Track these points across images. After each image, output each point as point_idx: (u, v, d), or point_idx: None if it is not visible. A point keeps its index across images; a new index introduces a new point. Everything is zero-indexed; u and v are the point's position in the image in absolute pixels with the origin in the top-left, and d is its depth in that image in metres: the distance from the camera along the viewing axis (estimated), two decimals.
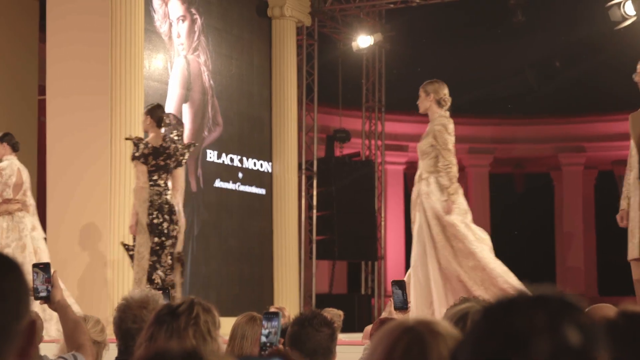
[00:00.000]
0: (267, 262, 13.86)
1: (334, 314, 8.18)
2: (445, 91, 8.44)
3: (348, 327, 10.85)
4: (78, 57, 10.99)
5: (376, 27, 16.31)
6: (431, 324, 2.02)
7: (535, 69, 19.42)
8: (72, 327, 3.92)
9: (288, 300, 13.56)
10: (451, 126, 8.23)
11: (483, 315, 1.50)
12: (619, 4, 13.53)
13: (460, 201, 8.35)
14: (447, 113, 8.40)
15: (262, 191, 13.80)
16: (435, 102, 8.37)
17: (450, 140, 8.17)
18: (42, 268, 3.98)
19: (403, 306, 5.20)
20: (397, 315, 5.16)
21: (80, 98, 10.92)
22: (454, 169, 8.20)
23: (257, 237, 13.77)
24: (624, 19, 13.57)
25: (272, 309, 8.97)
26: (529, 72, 19.36)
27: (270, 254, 13.91)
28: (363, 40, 15.91)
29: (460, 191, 8.38)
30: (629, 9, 13.48)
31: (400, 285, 5.26)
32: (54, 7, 11.30)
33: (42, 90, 12.52)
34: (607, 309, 3.55)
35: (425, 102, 8.43)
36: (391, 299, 5.32)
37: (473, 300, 3.48)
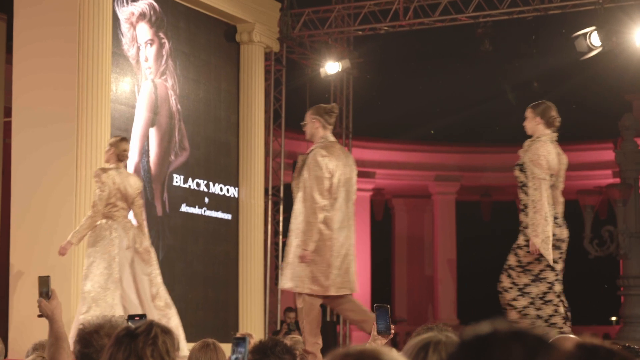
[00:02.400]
0: (233, 287, 13.79)
1: (297, 341, 8.14)
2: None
3: None
4: (45, 76, 10.93)
5: (344, 53, 16.36)
6: (377, 354, 2.00)
7: (516, 88, 19.54)
8: (52, 342, 4.05)
9: (253, 325, 13.50)
10: None
11: (460, 349, 1.49)
12: (585, 34, 13.65)
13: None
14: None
15: (228, 216, 13.75)
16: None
17: None
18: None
19: (386, 331, 5.20)
20: (381, 340, 5.16)
21: (47, 117, 10.85)
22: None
23: (222, 262, 13.71)
24: (590, 49, 13.69)
25: (238, 335, 8.92)
26: (509, 88, 19.47)
27: (236, 279, 13.85)
28: (331, 67, 15.95)
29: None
30: (595, 40, 13.60)
31: (384, 310, 5.25)
32: (21, 32, 11.23)
33: (7, 111, 12.44)
34: (569, 340, 3.54)
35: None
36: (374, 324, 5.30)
37: (435, 329, 3.46)
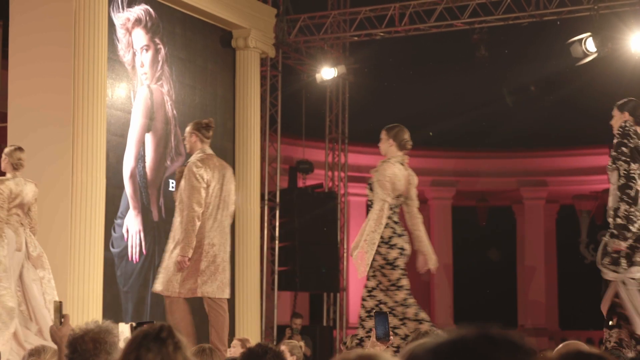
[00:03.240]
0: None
1: (294, 346, 8.16)
2: None
3: (309, 359, 10.80)
4: (40, 80, 10.95)
5: (340, 59, 16.38)
6: (373, 358, 2.01)
7: (513, 89, 19.56)
8: None
9: (249, 331, 13.49)
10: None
11: (434, 356, 1.48)
12: (580, 40, 13.67)
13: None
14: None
15: None
16: None
17: None
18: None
19: (385, 337, 5.21)
20: (379, 346, 5.18)
21: (42, 121, 10.86)
22: None
23: None
24: (585, 55, 13.72)
25: (235, 341, 8.95)
26: (507, 91, 19.49)
27: (232, 284, 13.83)
28: (327, 72, 15.96)
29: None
30: (590, 45, 13.63)
31: (383, 316, 5.27)
32: (16, 38, 11.24)
33: (3, 117, 12.43)
34: (577, 345, 3.55)
35: None
36: (373, 329, 5.33)
37: (432, 335, 3.47)
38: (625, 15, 13.74)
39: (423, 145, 22.90)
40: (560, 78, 17.81)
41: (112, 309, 11.39)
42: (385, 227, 8.14)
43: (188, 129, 8.74)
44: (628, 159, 7.82)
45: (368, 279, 8.36)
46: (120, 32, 12.10)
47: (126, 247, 12.03)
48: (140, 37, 12.48)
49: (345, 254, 17.55)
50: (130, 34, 12.30)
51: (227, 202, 8.67)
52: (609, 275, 7.93)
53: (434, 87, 20.02)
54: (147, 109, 12.53)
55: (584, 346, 4.71)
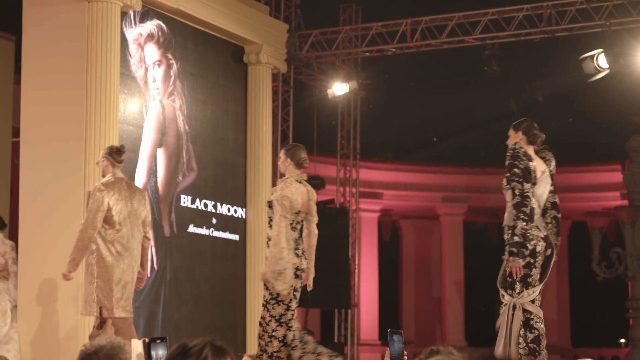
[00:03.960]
0: (240, 308, 13.77)
1: None
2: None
3: None
4: (52, 96, 10.97)
5: (352, 74, 16.39)
6: None
7: (519, 97, 19.52)
8: None
9: None
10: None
11: None
12: (592, 56, 13.66)
13: None
14: None
15: (235, 237, 13.74)
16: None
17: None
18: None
19: (399, 356, 5.18)
20: None
21: (54, 137, 10.88)
22: None
23: (230, 282, 13.69)
24: (597, 71, 13.70)
25: (246, 357, 8.92)
26: (513, 100, 19.45)
27: (243, 300, 13.83)
28: (338, 88, 15.97)
29: None
30: (602, 62, 13.61)
31: (398, 334, 5.24)
32: (28, 47, 11.28)
33: (16, 132, 12.47)
34: None
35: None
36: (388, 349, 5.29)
37: (443, 352, 3.44)
38: (637, 31, 13.73)
39: (435, 161, 22.90)
40: (573, 94, 17.78)
41: None
42: (277, 244, 8.50)
43: (102, 154, 9.05)
44: (521, 179, 8.12)
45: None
46: (132, 48, 12.12)
47: None
48: (152, 52, 12.51)
49: (356, 270, 17.52)
50: (142, 49, 12.33)
51: (135, 224, 8.87)
52: (505, 298, 8.09)
53: (445, 103, 20.01)
54: (159, 124, 12.54)
55: None
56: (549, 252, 8.20)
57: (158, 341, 3.93)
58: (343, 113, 17.56)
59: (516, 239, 8.06)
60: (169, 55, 12.79)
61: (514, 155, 8.27)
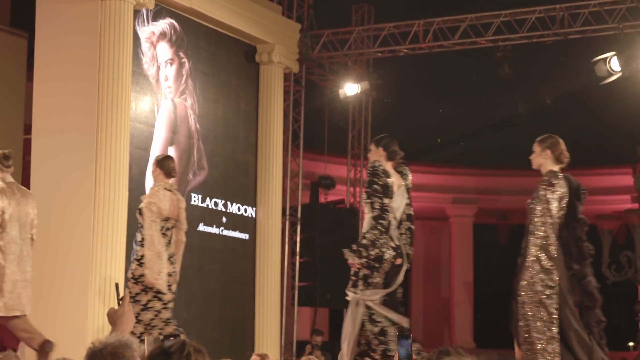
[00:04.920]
0: (249, 307, 13.78)
1: None
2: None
3: None
4: (65, 94, 11.00)
5: (363, 75, 16.38)
6: None
7: (527, 101, 19.51)
8: None
9: (269, 346, 13.48)
10: None
11: None
12: (604, 59, 13.63)
13: None
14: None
15: (245, 236, 13.76)
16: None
17: None
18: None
19: (407, 359, 5.17)
20: None
21: (66, 136, 10.91)
22: None
23: (239, 281, 13.70)
24: (610, 74, 13.67)
25: (254, 356, 8.96)
26: (521, 103, 19.44)
27: (252, 299, 13.84)
28: (350, 88, 15.97)
29: None
30: (615, 65, 13.59)
31: (406, 338, 5.24)
32: (41, 43, 11.30)
33: (27, 129, 12.51)
34: None
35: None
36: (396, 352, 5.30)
37: (453, 353, 3.45)
38: None
39: (445, 163, 22.89)
40: (584, 97, 17.75)
41: None
42: (152, 247, 9.05)
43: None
44: (380, 195, 8.69)
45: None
46: (145, 46, 12.15)
47: None
48: (164, 50, 12.53)
49: None
50: (154, 47, 12.35)
51: (25, 228, 8.98)
52: (349, 296, 8.79)
53: (457, 104, 20.00)
54: (171, 122, 12.57)
55: None
56: (399, 261, 8.78)
57: (171, 338, 3.94)
58: (354, 113, 17.56)
59: (364, 241, 8.68)
60: (181, 54, 12.82)
61: (373, 172, 8.77)
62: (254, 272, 13.88)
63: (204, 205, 13.07)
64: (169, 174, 9.24)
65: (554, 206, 8.03)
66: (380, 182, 8.73)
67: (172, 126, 12.58)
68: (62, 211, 10.82)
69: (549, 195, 8.08)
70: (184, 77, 12.85)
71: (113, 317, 4.25)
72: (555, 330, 7.74)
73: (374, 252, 8.60)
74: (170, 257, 9.11)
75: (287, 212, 15.56)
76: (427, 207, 23.12)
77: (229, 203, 13.50)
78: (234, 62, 13.88)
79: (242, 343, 13.43)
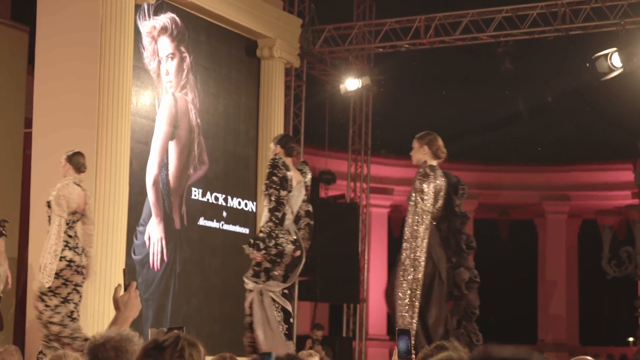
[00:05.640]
0: None
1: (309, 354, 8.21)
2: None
3: None
4: (65, 89, 11.00)
5: (364, 70, 16.38)
6: None
7: (528, 99, 19.50)
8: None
9: None
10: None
11: None
12: (606, 55, 13.63)
13: None
14: None
15: (245, 230, 13.76)
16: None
17: None
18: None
19: (407, 355, 5.17)
20: None
21: (67, 131, 10.91)
22: None
23: (239, 276, 13.65)
24: (611, 70, 13.67)
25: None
26: (522, 102, 19.44)
27: None
28: (351, 83, 15.97)
29: None
30: (616, 61, 13.58)
31: (406, 333, 5.23)
32: (42, 40, 11.30)
33: (28, 122, 12.51)
34: None
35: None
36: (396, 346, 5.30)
37: (450, 348, 3.46)
38: None
39: (445, 158, 22.86)
40: (585, 93, 17.75)
41: None
42: (51, 239, 9.10)
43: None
44: (278, 187, 8.99)
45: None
46: (146, 40, 12.15)
47: (148, 254, 12.07)
48: (165, 45, 12.53)
49: (366, 266, 17.53)
50: (156, 42, 12.35)
51: None
52: (249, 285, 9.22)
53: (458, 99, 19.99)
54: (172, 116, 12.57)
55: None
56: (298, 253, 9.20)
57: (176, 331, 3.94)
58: (355, 108, 17.56)
59: (261, 234, 8.99)
60: (182, 49, 12.81)
61: (273, 164, 9.09)
62: None
63: (205, 199, 13.07)
64: (78, 169, 9.41)
65: (429, 197, 8.73)
66: (279, 174, 9.03)
67: (173, 120, 12.59)
68: None
69: (424, 186, 8.84)
70: (185, 71, 12.85)
71: (119, 303, 4.24)
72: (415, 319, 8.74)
73: (272, 244, 8.93)
74: (75, 249, 9.17)
75: None
76: None
77: (229, 197, 13.51)
78: (234, 56, 13.88)
79: (242, 337, 13.42)
